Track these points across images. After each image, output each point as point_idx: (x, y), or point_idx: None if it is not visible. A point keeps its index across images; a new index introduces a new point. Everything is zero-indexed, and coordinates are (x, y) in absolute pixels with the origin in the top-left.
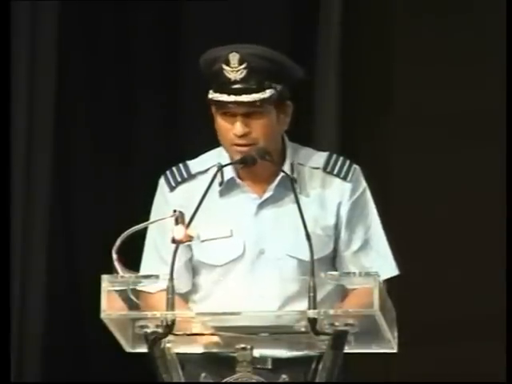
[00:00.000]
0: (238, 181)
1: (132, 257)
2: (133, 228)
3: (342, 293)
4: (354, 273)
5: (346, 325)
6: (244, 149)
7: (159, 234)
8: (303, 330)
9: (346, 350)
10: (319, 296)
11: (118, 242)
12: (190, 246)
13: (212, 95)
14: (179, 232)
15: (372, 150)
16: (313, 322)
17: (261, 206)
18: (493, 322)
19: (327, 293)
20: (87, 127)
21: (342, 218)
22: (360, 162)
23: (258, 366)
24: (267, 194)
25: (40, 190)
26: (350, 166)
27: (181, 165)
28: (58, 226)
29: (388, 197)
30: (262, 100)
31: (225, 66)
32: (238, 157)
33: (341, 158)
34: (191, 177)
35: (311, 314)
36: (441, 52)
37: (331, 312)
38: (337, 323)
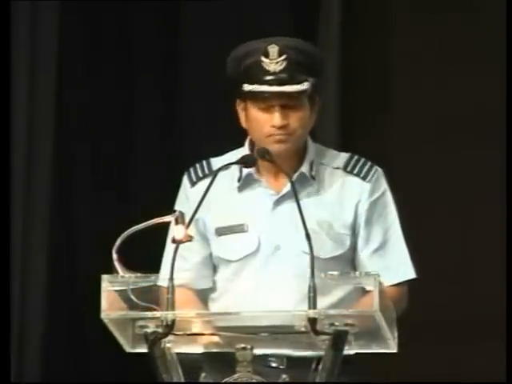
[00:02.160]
0: (257, 176)
1: (132, 257)
2: (133, 228)
3: (362, 293)
4: (354, 273)
5: (346, 325)
6: (280, 137)
7: None
8: (303, 329)
9: (346, 350)
10: (338, 295)
11: (118, 242)
12: (208, 242)
13: (250, 87)
14: (179, 232)
15: (371, 150)
16: (313, 322)
17: (277, 202)
18: (493, 321)
19: (347, 293)
20: (87, 127)
21: (360, 217)
22: None
23: (273, 365)
24: (284, 190)
25: (40, 190)
26: (370, 167)
27: (204, 161)
28: (57, 226)
29: None
30: (301, 92)
31: (264, 59)
32: (273, 146)
33: (362, 159)
34: (212, 173)
35: (311, 313)
36: (440, 52)
37: (331, 312)
38: (337, 323)
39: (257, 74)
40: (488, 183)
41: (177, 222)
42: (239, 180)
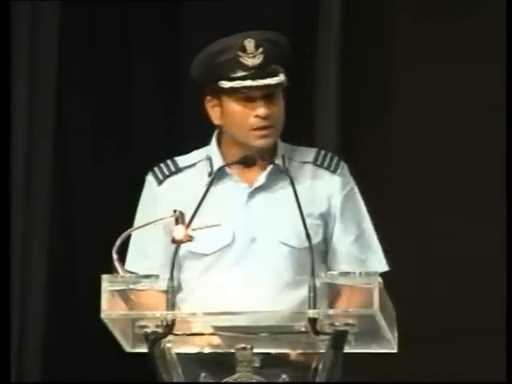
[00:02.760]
0: (228, 171)
1: None
2: (133, 228)
3: (333, 290)
4: (354, 272)
5: (346, 325)
6: (264, 132)
7: (145, 229)
8: (303, 329)
9: (346, 349)
10: (305, 291)
11: (118, 242)
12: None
13: (231, 84)
14: (179, 232)
15: (372, 150)
16: (313, 321)
17: (251, 194)
18: (493, 322)
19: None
20: (87, 127)
21: (334, 209)
22: (360, 161)
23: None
24: (258, 183)
25: (40, 190)
26: (338, 161)
27: (168, 160)
28: (57, 226)
29: (388, 197)
30: (280, 83)
31: (241, 53)
32: (257, 141)
33: (329, 154)
34: (179, 170)
35: (311, 313)
36: (441, 52)
37: (331, 312)
38: (337, 323)
39: (235, 69)
40: (488, 183)
41: (177, 222)
42: (210, 175)
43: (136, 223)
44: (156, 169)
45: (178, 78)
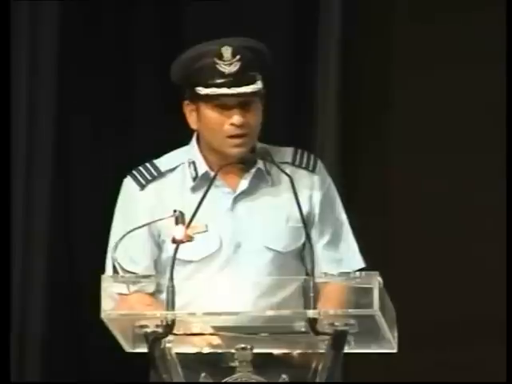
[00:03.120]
0: (211, 175)
1: None
2: (132, 228)
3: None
4: (354, 272)
5: (346, 325)
6: (239, 140)
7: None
8: (303, 329)
9: (346, 350)
10: (285, 293)
11: (118, 242)
12: (159, 245)
13: (207, 90)
14: (179, 232)
15: (372, 150)
16: (313, 322)
17: (235, 200)
18: (493, 322)
19: (294, 290)
20: (87, 127)
21: (314, 208)
22: (360, 162)
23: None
24: (241, 188)
25: (40, 190)
26: (315, 159)
27: (148, 164)
28: (58, 226)
29: (388, 197)
30: (257, 91)
31: (217, 60)
32: (232, 150)
33: (306, 152)
34: (161, 175)
35: (311, 314)
36: (441, 52)
37: (331, 312)
38: (337, 323)
39: (211, 76)
40: (489, 183)
41: (177, 222)
42: (194, 179)
43: (115, 227)
44: (136, 173)
45: None
